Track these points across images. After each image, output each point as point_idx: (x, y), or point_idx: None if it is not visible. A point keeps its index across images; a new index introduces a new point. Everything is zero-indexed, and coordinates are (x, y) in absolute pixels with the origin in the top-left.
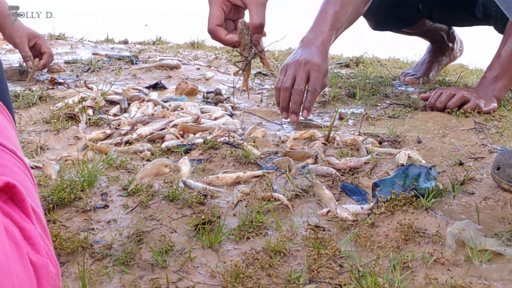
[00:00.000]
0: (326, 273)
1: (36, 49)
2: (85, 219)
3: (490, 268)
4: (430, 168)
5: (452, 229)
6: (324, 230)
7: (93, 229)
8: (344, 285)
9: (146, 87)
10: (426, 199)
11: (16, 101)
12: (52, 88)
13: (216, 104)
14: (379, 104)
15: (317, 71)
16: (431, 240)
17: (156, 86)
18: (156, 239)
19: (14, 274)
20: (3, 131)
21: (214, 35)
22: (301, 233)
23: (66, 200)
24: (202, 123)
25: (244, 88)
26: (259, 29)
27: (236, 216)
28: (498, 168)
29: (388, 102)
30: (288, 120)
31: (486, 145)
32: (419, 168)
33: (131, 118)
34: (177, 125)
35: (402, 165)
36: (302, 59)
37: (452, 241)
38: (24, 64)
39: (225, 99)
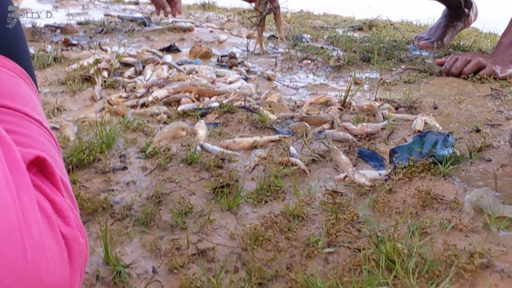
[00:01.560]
0: (345, 237)
1: None
2: (105, 180)
3: (508, 235)
4: (448, 135)
5: (471, 196)
6: (341, 195)
7: (112, 190)
8: (363, 249)
9: (160, 50)
10: (443, 166)
11: None
12: (67, 49)
13: (230, 67)
14: (394, 69)
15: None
16: (449, 207)
17: (170, 49)
18: (175, 201)
19: (47, 248)
20: (29, 101)
21: None
22: (318, 197)
23: (85, 161)
24: (218, 87)
25: (259, 43)
26: None
27: (254, 180)
28: None
29: (403, 67)
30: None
31: (503, 111)
32: (437, 135)
33: (146, 81)
34: (193, 88)
35: (419, 131)
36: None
37: (470, 208)
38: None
39: (240, 63)
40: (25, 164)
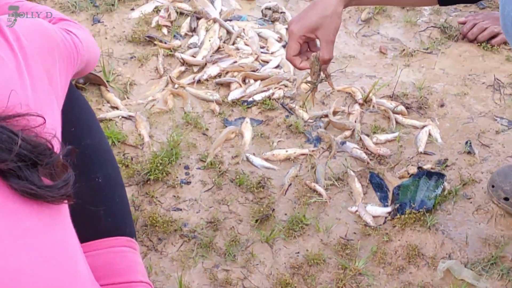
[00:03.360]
0: None
1: None
2: (174, 195)
3: None
4: (439, 176)
5: (444, 266)
6: (351, 240)
7: (180, 210)
8: None
9: None
10: (429, 218)
11: (96, 6)
12: None
13: (273, 22)
14: (418, 20)
15: None
16: (427, 264)
17: None
18: (228, 228)
19: None
20: (133, 267)
21: (291, 62)
22: (334, 239)
23: (159, 177)
24: (261, 61)
25: (310, 101)
26: (327, 62)
27: (286, 214)
28: (493, 186)
29: (425, 19)
30: None
31: (497, 119)
32: (428, 181)
33: (202, 58)
34: (241, 69)
35: (420, 153)
36: None
37: (441, 272)
38: None
39: (281, 13)
40: None
